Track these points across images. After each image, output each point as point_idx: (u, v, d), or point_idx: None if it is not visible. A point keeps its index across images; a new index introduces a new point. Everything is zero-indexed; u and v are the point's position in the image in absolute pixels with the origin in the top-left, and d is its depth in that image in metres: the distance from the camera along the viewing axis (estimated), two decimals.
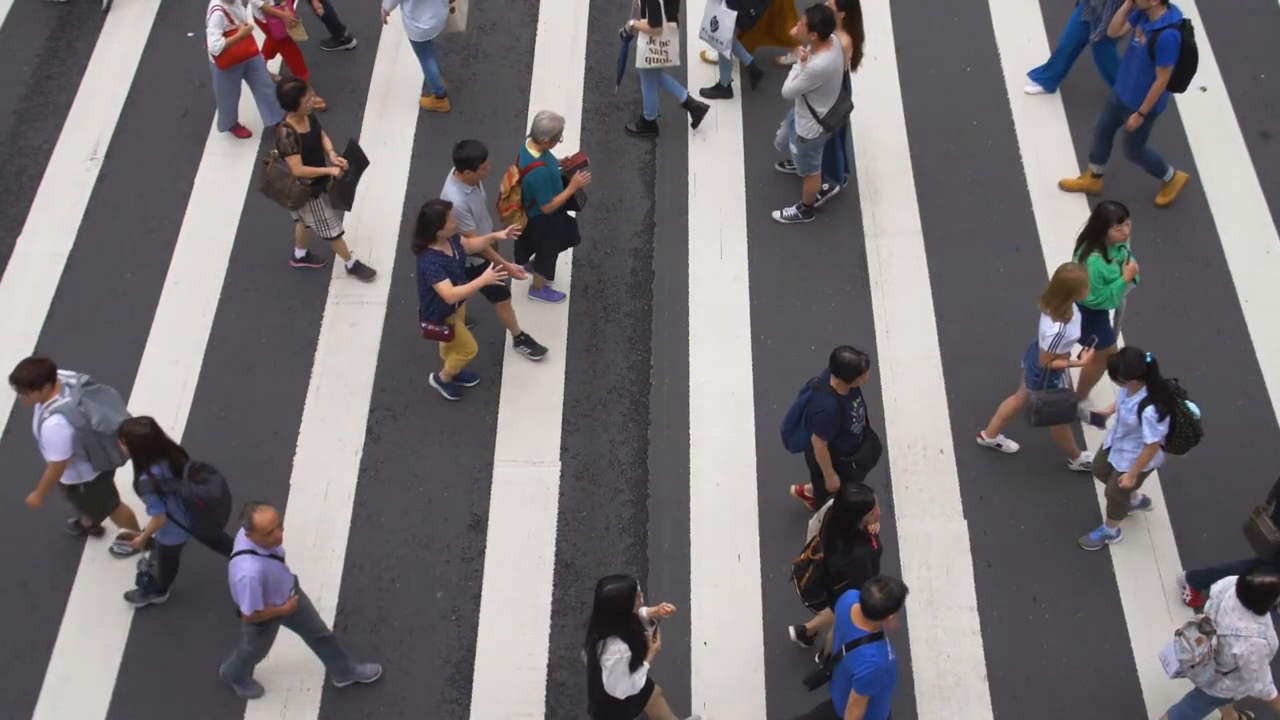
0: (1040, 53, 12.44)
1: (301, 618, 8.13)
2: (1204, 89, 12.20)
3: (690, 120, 11.89)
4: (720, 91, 12.19)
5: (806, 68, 10.03)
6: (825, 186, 11.22)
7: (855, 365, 8.09)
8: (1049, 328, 8.72)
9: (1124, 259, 9.10)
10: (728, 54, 11.70)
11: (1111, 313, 9.41)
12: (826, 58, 10.01)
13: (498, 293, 9.95)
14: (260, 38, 11.72)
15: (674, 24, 11.14)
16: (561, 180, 9.78)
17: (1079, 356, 9.04)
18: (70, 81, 12.51)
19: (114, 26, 12.99)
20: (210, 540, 8.65)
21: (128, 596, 8.99)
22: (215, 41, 10.98)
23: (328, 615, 8.98)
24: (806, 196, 11.05)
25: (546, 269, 10.35)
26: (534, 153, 9.60)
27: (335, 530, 9.42)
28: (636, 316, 10.63)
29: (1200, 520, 9.36)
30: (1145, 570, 9.15)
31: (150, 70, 12.61)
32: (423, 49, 11.77)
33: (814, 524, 8.05)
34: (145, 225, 11.34)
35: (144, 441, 8.03)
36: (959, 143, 11.83)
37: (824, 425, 8.31)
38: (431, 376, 10.12)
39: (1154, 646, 8.77)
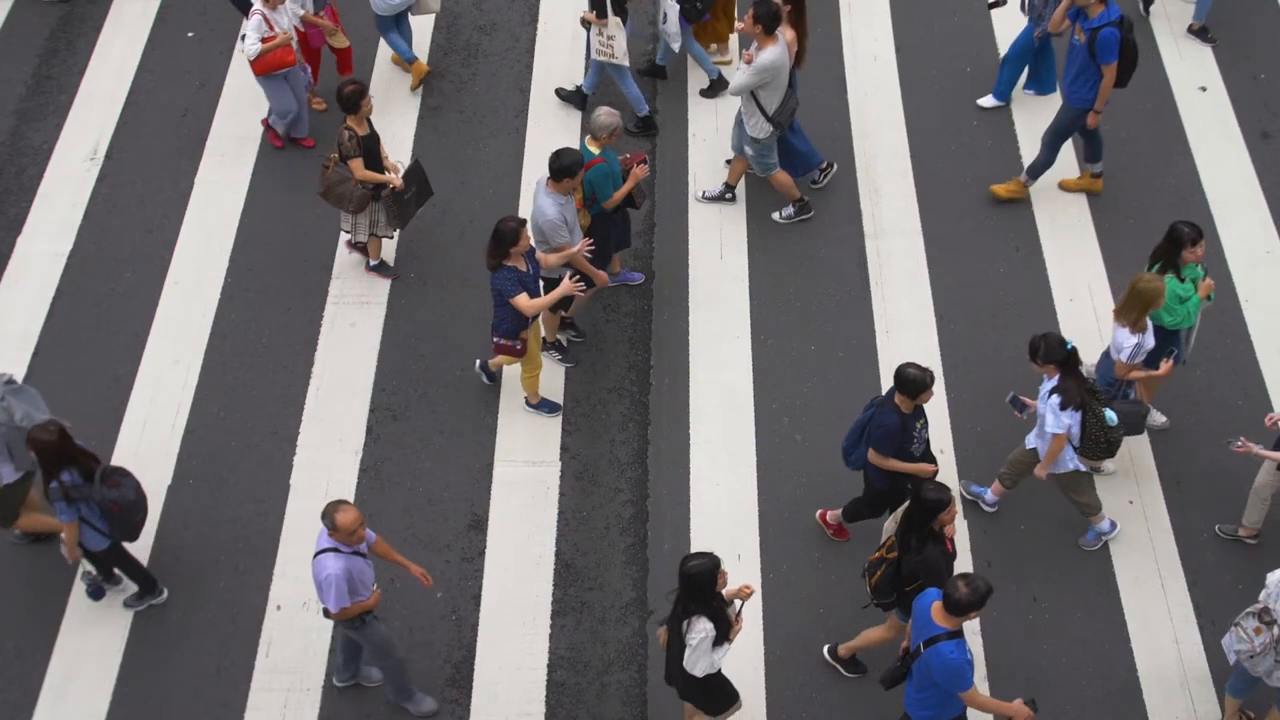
0: None
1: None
2: (1204, 89, 12.21)
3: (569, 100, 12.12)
4: (716, 87, 12.20)
5: (754, 62, 10.07)
6: (817, 174, 11.31)
7: (920, 381, 7.97)
8: (1126, 339, 8.63)
9: (1198, 277, 9.01)
10: (675, 46, 11.76)
11: (1184, 330, 9.30)
12: (773, 52, 10.04)
13: (570, 302, 9.94)
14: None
15: (620, 20, 11.18)
16: (620, 176, 9.84)
17: (1158, 367, 8.91)
18: (70, 81, 12.51)
19: (114, 26, 12.99)
20: (119, 554, 8.59)
21: (126, 603, 8.99)
22: (251, 46, 10.79)
23: None
24: (787, 193, 11.05)
25: (601, 263, 10.35)
26: (594, 149, 9.63)
27: None
28: (636, 316, 10.63)
29: (1200, 520, 9.36)
30: (1145, 570, 9.15)
31: (150, 70, 12.61)
32: (384, 22, 11.79)
33: (890, 524, 8.03)
34: (145, 225, 11.34)
35: (52, 449, 7.95)
36: (959, 143, 11.84)
37: (883, 441, 8.21)
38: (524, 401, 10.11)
39: (1154, 646, 8.78)
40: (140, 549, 9.25)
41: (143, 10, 13.17)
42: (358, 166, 9.99)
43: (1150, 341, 8.71)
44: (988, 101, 12.08)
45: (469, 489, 9.65)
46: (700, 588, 7.18)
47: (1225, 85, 12.24)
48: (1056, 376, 8.31)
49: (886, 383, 10.13)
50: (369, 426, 9.99)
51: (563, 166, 9.17)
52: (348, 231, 10.50)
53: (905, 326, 10.51)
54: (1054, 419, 8.31)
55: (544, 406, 10.00)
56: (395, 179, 10.15)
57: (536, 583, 9.17)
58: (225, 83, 12.43)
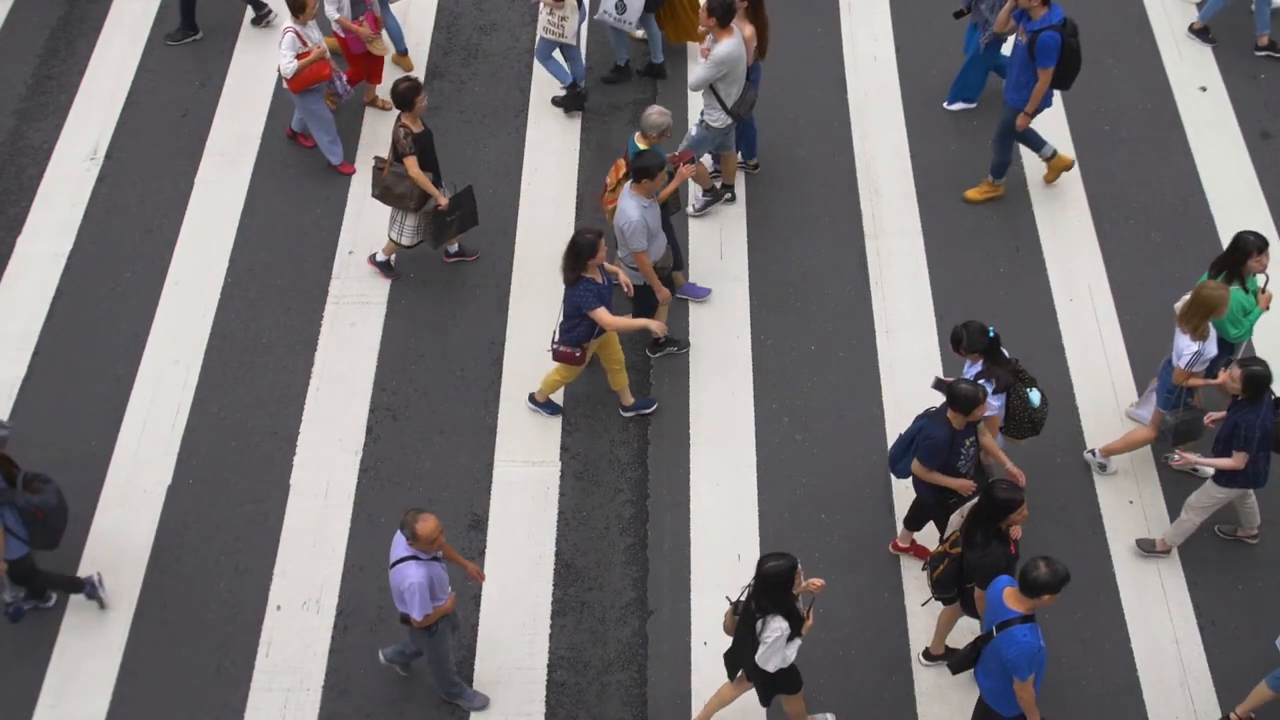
0: None
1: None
2: (1204, 89, 12.21)
3: (565, 106, 12.07)
4: (621, 73, 12.31)
5: (711, 56, 10.11)
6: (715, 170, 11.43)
7: (973, 397, 7.94)
8: (1187, 346, 8.61)
9: (1258, 288, 9.00)
10: (638, 34, 11.80)
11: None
12: (729, 44, 10.07)
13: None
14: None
15: (575, 2, 11.27)
16: (668, 174, 9.82)
17: (1219, 375, 8.83)
18: (70, 81, 12.51)
19: (114, 26, 12.99)
20: (31, 565, 8.51)
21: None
22: (288, 64, 10.66)
23: (327, 615, 9.00)
24: (701, 182, 11.04)
25: (676, 260, 10.32)
26: (642, 147, 9.64)
27: (335, 530, 9.42)
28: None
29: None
30: (1145, 570, 9.15)
31: (150, 70, 12.61)
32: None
33: (956, 518, 8.05)
34: (145, 225, 11.34)
35: None
36: (959, 143, 11.83)
37: (929, 453, 8.17)
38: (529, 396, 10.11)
39: (1154, 646, 8.78)
40: (140, 549, 9.27)
41: (143, 10, 13.17)
42: (412, 164, 9.91)
43: (1212, 349, 8.66)
44: (957, 106, 12.07)
45: (469, 489, 9.65)
46: (778, 588, 7.23)
47: (1225, 85, 12.24)
48: (980, 363, 8.41)
49: (887, 383, 10.14)
50: (369, 426, 9.99)
51: (642, 167, 9.14)
52: (394, 237, 10.45)
53: (905, 326, 10.51)
54: None
55: (545, 407, 10.00)
56: (441, 198, 10.11)
57: (536, 583, 9.17)
58: (225, 83, 12.43)
